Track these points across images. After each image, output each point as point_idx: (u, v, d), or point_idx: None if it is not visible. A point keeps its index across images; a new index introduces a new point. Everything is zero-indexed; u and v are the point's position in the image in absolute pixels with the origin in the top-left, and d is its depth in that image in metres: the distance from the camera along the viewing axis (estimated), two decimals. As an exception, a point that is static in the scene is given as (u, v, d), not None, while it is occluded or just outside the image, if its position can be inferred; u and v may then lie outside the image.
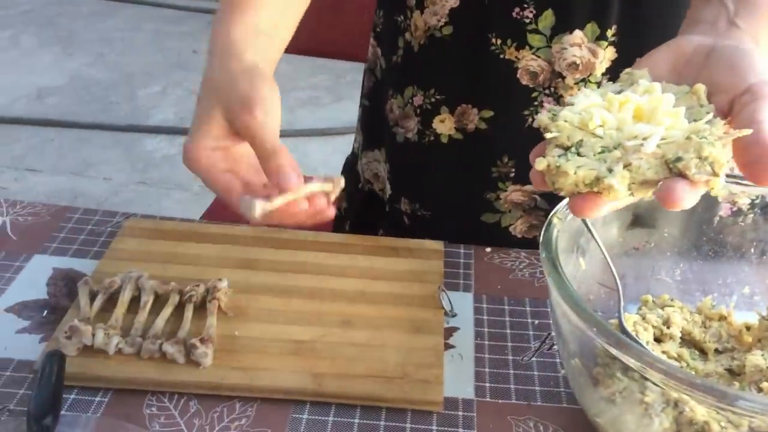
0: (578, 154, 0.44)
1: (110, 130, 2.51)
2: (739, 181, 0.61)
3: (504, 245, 0.79)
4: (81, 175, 2.31)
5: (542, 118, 0.46)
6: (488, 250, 0.77)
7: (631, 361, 0.44)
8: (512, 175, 0.78)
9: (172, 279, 0.68)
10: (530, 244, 0.80)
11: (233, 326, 0.64)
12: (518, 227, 0.81)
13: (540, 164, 0.44)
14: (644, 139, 0.43)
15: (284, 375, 0.60)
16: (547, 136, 0.45)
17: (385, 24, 0.84)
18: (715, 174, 0.41)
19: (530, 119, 0.75)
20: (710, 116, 0.44)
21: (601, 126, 0.44)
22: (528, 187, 0.78)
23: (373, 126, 0.89)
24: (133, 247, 0.74)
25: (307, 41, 1.33)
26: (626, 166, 0.42)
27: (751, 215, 0.61)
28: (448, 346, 0.65)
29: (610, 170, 0.42)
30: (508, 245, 0.78)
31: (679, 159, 0.41)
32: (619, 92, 0.47)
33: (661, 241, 0.62)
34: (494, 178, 0.79)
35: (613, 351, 0.45)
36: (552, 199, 0.78)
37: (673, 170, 0.42)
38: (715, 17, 0.52)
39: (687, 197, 0.41)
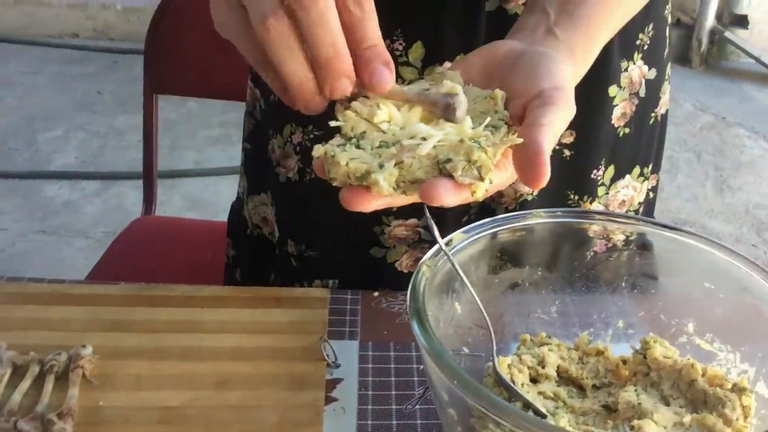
0: (357, 147, 0.44)
1: (8, 177, 2.40)
2: (614, 218, 0.61)
3: (392, 282, 0.78)
4: (-24, 227, 2.19)
5: (337, 105, 0.46)
6: (376, 294, 0.75)
7: (496, 419, 0.43)
8: (394, 209, 0.77)
9: (34, 347, 0.64)
10: None
11: (98, 396, 0.60)
12: (404, 262, 0.80)
13: (317, 151, 0.44)
14: (423, 139, 0.43)
15: (151, 446, 0.56)
16: (331, 123, 0.45)
17: None
18: (480, 178, 0.42)
19: None
20: (498, 121, 0.45)
21: (387, 122, 0.45)
22: (411, 221, 0.78)
23: (257, 169, 0.87)
24: (-6, 315, 0.69)
25: (200, 83, 1.31)
26: (398, 163, 0.43)
27: (626, 252, 0.61)
28: (330, 400, 0.63)
29: (382, 166, 0.42)
30: (397, 282, 0.77)
31: (448, 160, 0.42)
32: (427, 90, 0.47)
33: (534, 279, 0.61)
34: (377, 212, 0.77)
35: (480, 408, 0.44)
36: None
37: (443, 171, 0.43)
38: (535, 25, 0.53)
39: (447, 196, 0.42)
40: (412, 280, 0.53)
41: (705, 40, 3.43)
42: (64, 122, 2.73)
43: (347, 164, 0.42)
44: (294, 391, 0.62)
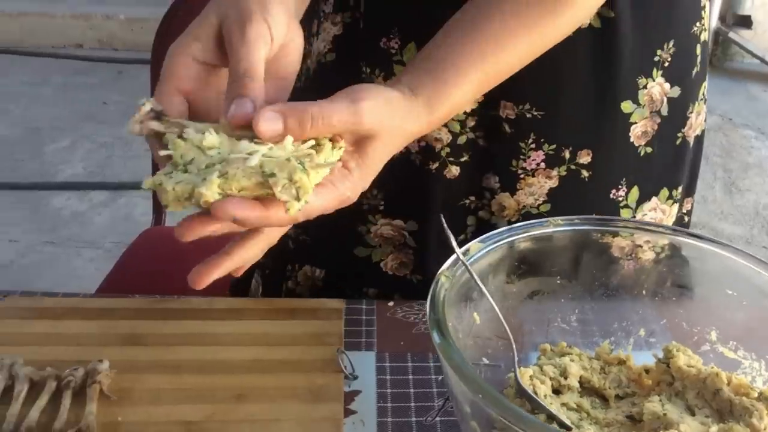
0: (185, 171, 0.46)
1: (15, 189, 2.40)
2: (634, 226, 0.61)
3: (375, 282, 0.78)
4: (-16, 239, 2.19)
5: (168, 135, 0.49)
6: (390, 304, 0.75)
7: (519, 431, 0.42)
8: (381, 207, 0.77)
9: (50, 363, 0.63)
10: (402, 282, 0.79)
11: (116, 411, 0.60)
12: (389, 263, 0.79)
13: (147, 183, 0.47)
14: (249, 154, 0.46)
15: (171, 462, 0.56)
16: (161, 153, 0.48)
17: None
18: (297, 198, 0.46)
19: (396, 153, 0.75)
20: (323, 139, 0.49)
21: (217, 148, 0.47)
22: (397, 222, 0.77)
23: None
24: (9, 330, 0.68)
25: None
26: (222, 174, 0.45)
27: (647, 259, 0.61)
28: (349, 412, 0.62)
29: (204, 179, 0.45)
30: (380, 283, 0.78)
31: (272, 174, 0.45)
32: None
33: (554, 288, 0.61)
34: (364, 210, 0.77)
35: (503, 420, 0.43)
36: (421, 237, 0.77)
37: (265, 184, 0.46)
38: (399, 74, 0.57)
39: (237, 210, 0.45)
40: (431, 291, 0.53)
41: (709, 42, 3.42)
42: (71, 133, 2.73)
43: (173, 189, 0.45)
44: (313, 403, 0.61)
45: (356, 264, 0.79)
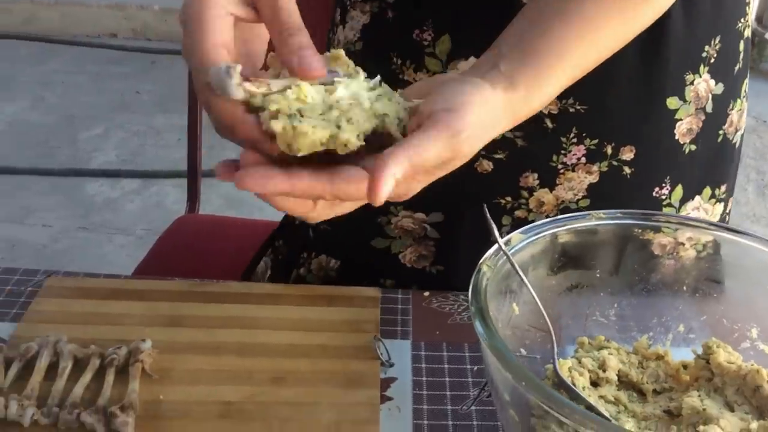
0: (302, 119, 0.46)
1: (50, 175, 2.44)
2: (676, 221, 0.60)
3: (392, 274, 0.79)
4: (19, 223, 2.23)
5: (270, 97, 0.46)
6: (426, 294, 0.75)
7: (562, 418, 0.43)
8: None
9: (93, 341, 0.65)
10: (420, 274, 0.79)
11: (158, 390, 0.61)
12: (407, 256, 0.79)
13: (277, 125, 0.44)
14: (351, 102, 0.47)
15: (211, 441, 0.57)
16: (272, 107, 0.45)
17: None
18: (404, 134, 0.48)
19: None
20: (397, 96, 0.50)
21: (311, 100, 0.46)
22: (419, 215, 0.77)
23: None
24: (54, 308, 0.70)
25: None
26: (348, 120, 0.46)
27: (688, 255, 0.60)
28: (385, 399, 0.63)
29: (339, 126, 0.45)
30: (397, 274, 0.78)
31: (386, 114, 0.47)
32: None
33: (593, 281, 0.61)
34: (386, 201, 0.77)
35: (545, 407, 0.44)
36: (447, 229, 0.77)
37: (378, 127, 0.47)
38: (484, 61, 0.55)
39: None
40: (472, 280, 0.53)
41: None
42: (104, 121, 2.77)
43: (313, 130, 0.44)
44: (350, 389, 0.62)
45: (374, 255, 0.80)
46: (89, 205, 2.31)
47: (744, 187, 2.54)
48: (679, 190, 0.76)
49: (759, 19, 3.41)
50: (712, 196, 0.79)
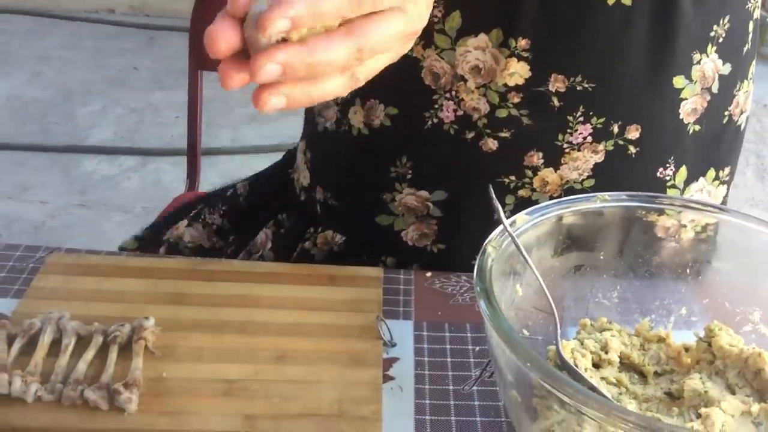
0: None
1: (47, 151, 2.43)
2: (680, 204, 0.60)
3: (394, 251, 0.79)
4: (16, 199, 2.23)
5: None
6: (429, 274, 0.75)
7: (565, 398, 0.43)
8: (409, 176, 0.77)
9: (96, 318, 0.65)
10: (421, 252, 0.79)
11: (161, 367, 0.61)
12: (410, 233, 0.80)
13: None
14: None
15: (215, 418, 0.57)
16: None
17: None
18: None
19: (429, 122, 0.74)
20: None
21: None
22: (422, 193, 0.78)
23: (306, 116, 0.89)
24: (56, 285, 0.70)
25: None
26: None
27: (692, 238, 0.61)
28: (387, 378, 0.63)
29: None
30: (399, 252, 0.79)
31: None
32: None
33: (596, 263, 0.61)
34: (392, 178, 0.78)
35: (548, 387, 0.44)
36: (449, 207, 0.77)
37: None
38: None
39: None
40: (477, 261, 0.53)
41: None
42: (102, 97, 2.76)
43: None
44: (352, 368, 0.62)
45: (377, 232, 0.80)
46: (87, 182, 2.31)
47: (743, 171, 2.55)
48: (683, 171, 0.76)
49: (762, 3, 3.40)
50: (716, 178, 0.79)
